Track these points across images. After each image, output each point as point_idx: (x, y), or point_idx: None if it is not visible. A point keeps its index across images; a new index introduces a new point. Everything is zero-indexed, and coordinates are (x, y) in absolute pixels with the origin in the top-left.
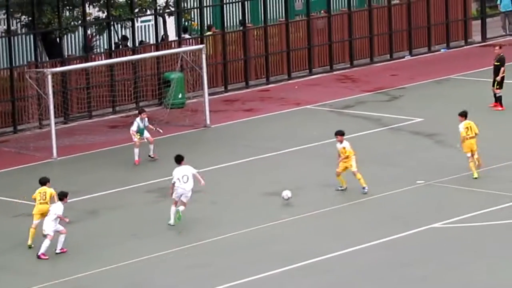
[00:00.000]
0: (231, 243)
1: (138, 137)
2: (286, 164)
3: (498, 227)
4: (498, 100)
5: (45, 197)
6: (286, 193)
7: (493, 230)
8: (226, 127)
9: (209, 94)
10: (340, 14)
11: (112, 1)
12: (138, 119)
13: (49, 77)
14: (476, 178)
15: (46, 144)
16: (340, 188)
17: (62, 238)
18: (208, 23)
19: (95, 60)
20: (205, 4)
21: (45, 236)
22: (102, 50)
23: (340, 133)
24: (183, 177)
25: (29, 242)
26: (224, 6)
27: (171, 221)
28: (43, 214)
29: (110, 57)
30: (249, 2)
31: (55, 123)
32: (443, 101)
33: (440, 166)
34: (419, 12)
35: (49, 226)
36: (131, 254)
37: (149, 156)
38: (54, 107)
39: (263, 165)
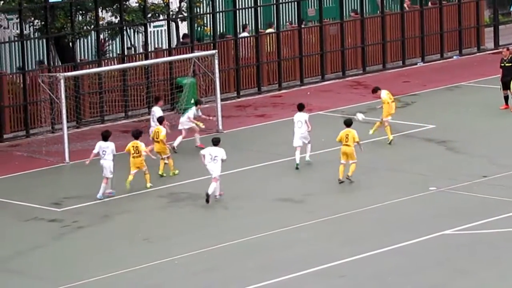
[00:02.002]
0: (243, 248)
1: (197, 122)
2: (298, 169)
3: (509, 234)
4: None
5: (138, 151)
6: (360, 115)
7: (505, 237)
8: (239, 132)
9: (222, 100)
10: (352, 20)
11: (125, 6)
12: (194, 108)
13: (62, 81)
14: (391, 140)
15: (58, 148)
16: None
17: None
18: (246, 24)
19: (107, 65)
20: (218, 10)
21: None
22: (115, 55)
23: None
24: (298, 123)
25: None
26: (237, 11)
27: (297, 161)
28: (138, 167)
29: (123, 62)
30: (262, 8)
31: (68, 127)
32: (455, 108)
33: (452, 173)
34: (432, 19)
35: (218, 169)
36: (142, 259)
37: (196, 146)
38: (67, 111)
39: (275, 170)
